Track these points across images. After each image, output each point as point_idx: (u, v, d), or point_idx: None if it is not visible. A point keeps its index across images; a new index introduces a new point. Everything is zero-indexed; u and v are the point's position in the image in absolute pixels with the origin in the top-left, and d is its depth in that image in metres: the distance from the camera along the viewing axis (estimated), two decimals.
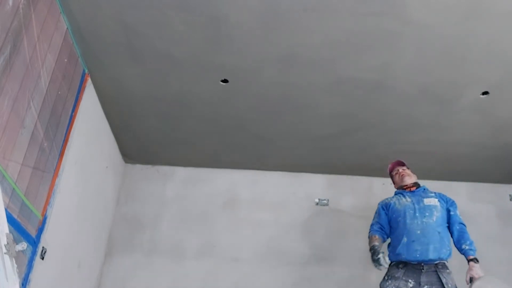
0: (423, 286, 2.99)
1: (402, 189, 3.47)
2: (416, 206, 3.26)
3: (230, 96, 3.45)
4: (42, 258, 2.70)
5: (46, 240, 2.74)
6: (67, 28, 2.84)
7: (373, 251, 3.16)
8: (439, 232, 3.13)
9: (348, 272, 4.14)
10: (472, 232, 4.35)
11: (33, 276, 2.59)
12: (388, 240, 3.36)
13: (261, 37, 2.87)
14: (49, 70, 2.64)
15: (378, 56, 3.01)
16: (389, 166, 3.66)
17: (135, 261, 4.06)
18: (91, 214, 3.61)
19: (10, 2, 2.19)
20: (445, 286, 2.96)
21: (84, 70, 3.19)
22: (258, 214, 4.32)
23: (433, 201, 3.28)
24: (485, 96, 3.33)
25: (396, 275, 3.08)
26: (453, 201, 3.37)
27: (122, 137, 4.07)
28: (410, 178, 3.47)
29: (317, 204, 4.43)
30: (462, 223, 3.27)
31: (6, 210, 2.02)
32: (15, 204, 2.34)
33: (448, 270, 3.07)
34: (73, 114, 3.05)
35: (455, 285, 3.03)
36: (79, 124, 3.13)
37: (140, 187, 4.41)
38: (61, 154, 2.91)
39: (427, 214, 3.20)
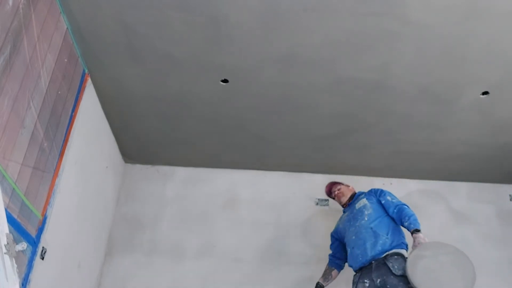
0: (377, 281, 3.04)
1: (342, 207, 3.70)
2: (351, 215, 3.44)
3: (230, 96, 3.45)
4: (42, 258, 2.70)
5: (46, 240, 2.74)
6: (67, 28, 2.84)
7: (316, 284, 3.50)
8: (371, 228, 3.21)
9: (348, 272, 4.14)
10: (472, 232, 4.39)
11: (33, 276, 2.59)
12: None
13: (261, 37, 2.87)
14: (49, 70, 2.64)
15: (378, 56, 3.01)
16: (325, 190, 3.85)
17: (135, 261, 4.06)
18: (91, 214, 3.61)
19: (10, 2, 2.19)
20: (391, 269, 3.00)
21: (84, 70, 3.19)
22: (258, 214, 4.31)
23: (362, 202, 3.41)
24: (485, 96, 3.34)
25: (355, 280, 3.23)
26: (381, 190, 3.46)
27: (122, 137, 4.07)
28: (345, 197, 3.64)
29: (317, 204, 4.43)
30: (398, 205, 3.30)
31: (6, 210, 2.02)
32: (15, 204, 2.34)
33: (396, 256, 3.09)
34: (73, 114, 3.05)
35: (404, 267, 3.03)
36: (79, 124, 3.13)
37: (140, 187, 4.41)
38: (61, 154, 2.91)
39: (359, 217, 3.34)
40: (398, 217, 3.24)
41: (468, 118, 3.59)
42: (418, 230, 3.07)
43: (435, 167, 4.34)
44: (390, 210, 3.29)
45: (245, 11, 2.68)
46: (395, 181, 4.58)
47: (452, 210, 4.49)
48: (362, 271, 3.19)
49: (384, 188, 3.51)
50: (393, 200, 3.35)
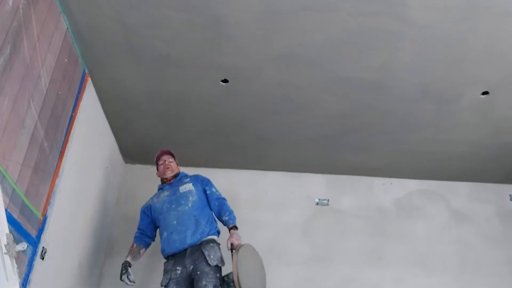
0: (189, 267, 3.07)
1: (162, 183, 3.54)
2: (173, 197, 3.36)
3: (230, 96, 3.45)
4: (42, 258, 2.70)
5: (46, 240, 2.74)
6: (67, 28, 2.84)
7: (122, 268, 3.28)
8: (194, 216, 3.22)
9: (348, 272, 4.14)
10: (472, 232, 4.39)
11: (33, 276, 2.59)
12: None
13: (261, 37, 2.87)
14: (49, 70, 2.64)
15: (378, 56, 3.01)
16: (158, 153, 3.63)
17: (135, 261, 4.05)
18: (91, 214, 3.61)
19: (10, 2, 2.19)
20: (207, 257, 3.04)
21: (84, 70, 3.19)
22: (258, 214, 4.32)
23: (188, 187, 3.36)
24: (485, 96, 3.34)
25: (167, 268, 3.18)
26: (208, 180, 3.47)
27: (122, 137, 4.07)
28: (171, 173, 3.51)
29: (317, 204, 4.43)
30: (220, 198, 3.37)
31: (6, 210, 2.02)
32: (15, 204, 2.34)
33: (212, 244, 3.15)
34: (73, 114, 3.05)
35: (221, 256, 3.13)
36: (79, 124, 3.13)
37: (140, 187, 4.40)
38: (61, 154, 2.91)
39: (182, 202, 3.29)
40: (218, 210, 3.29)
41: (468, 118, 3.59)
42: (236, 227, 3.18)
43: (435, 167, 4.34)
44: (212, 202, 3.32)
45: (245, 11, 2.68)
46: (395, 181, 4.59)
47: (452, 210, 4.49)
48: (175, 257, 3.17)
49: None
50: (217, 193, 3.39)
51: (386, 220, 4.40)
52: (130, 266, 3.30)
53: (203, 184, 3.42)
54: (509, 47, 2.89)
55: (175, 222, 3.23)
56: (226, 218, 3.23)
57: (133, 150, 4.28)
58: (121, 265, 3.31)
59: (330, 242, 4.25)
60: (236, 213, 4.29)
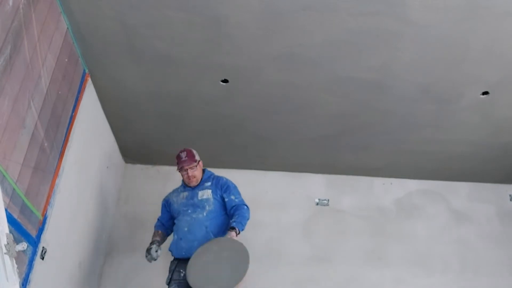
0: None
1: (184, 184, 3.42)
2: (190, 201, 3.29)
3: (230, 96, 3.45)
4: (42, 258, 2.70)
5: (46, 240, 2.74)
6: (67, 28, 2.84)
7: (153, 243, 3.27)
8: (206, 227, 3.17)
9: (348, 272, 4.14)
10: (472, 232, 4.39)
11: (33, 276, 2.59)
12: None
13: (261, 37, 2.87)
14: (49, 70, 2.64)
15: (378, 56, 3.01)
16: (177, 157, 3.35)
17: (135, 261, 4.06)
18: (91, 214, 3.61)
19: (10, 2, 2.19)
20: None
21: (84, 70, 3.19)
22: (258, 214, 4.31)
23: (206, 194, 3.28)
24: (485, 96, 3.34)
25: (171, 268, 3.22)
26: (228, 186, 3.34)
27: (122, 137, 4.07)
28: (197, 181, 3.35)
29: (317, 204, 4.43)
30: (237, 205, 3.25)
31: (6, 210, 2.02)
32: (16, 204, 2.34)
33: None
34: (73, 114, 3.05)
35: None
36: (79, 124, 3.13)
37: (140, 187, 4.41)
38: (61, 154, 2.91)
39: (198, 209, 3.23)
40: (231, 215, 3.22)
41: (468, 118, 3.59)
42: (235, 230, 3.07)
43: (435, 167, 4.34)
44: (229, 210, 3.26)
45: (245, 11, 2.68)
46: (395, 181, 4.59)
47: (452, 210, 4.49)
48: (179, 260, 3.18)
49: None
50: (236, 200, 3.28)
51: (386, 220, 4.40)
52: (159, 245, 3.30)
53: (222, 190, 3.32)
54: (509, 47, 2.89)
55: (186, 229, 3.21)
56: (232, 220, 3.16)
57: (133, 150, 4.28)
58: (147, 249, 3.27)
59: (330, 242, 4.25)
60: None
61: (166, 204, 3.48)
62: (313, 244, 4.24)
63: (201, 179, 3.38)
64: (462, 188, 4.57)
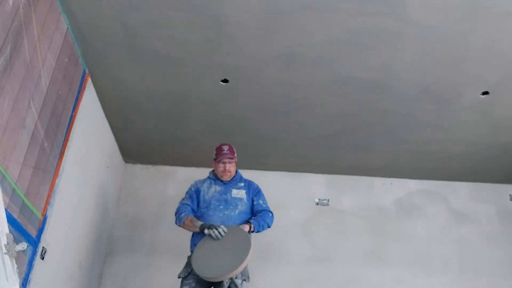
0: None
1: (217, 178, 3.30)
2: (223, 196, 3.19)
3: (230, 96, 3.45)
4: (42, 258, 2.70)
5: (46, 240, 2.74)
6: (67, 28, 2.84)
7: (203, 225, 2.98)
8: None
9: (348, 272, 4.15)
10: (472, 232, 4.40)
11: (33, 276, 2.60)
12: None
13: (261, 37, 2.87)
14: (49, 70, 2.64)
15: (378, 56, 3.01)
16: (218, 149, 3.31)
17: (135, 261, 4.06)
18: (91, 214, 3.61)
19: (10, 2, 2.19)
20: None
21: (84, 70, 3.19)
22: None
23: (241, 194, 3.23)
24: (485, 96, 3.34)
25: (189, 262, 3.02)
26: (259, 190, 3.33)
27: (122, 137, 4.07)
28: (230, 177, 3.29)
29: (317, 204, 4.43)
30: (263, 210, 3.21)
31: (6, 210, 2.02)
32: (16, 204, 2.34)
33: None
34: (73, 114, 3.05)
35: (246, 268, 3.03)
36: (79, 124, 3.14)
37: (141, 187, 4.41)
38: (61, 154, 2.91)
39: (231, 207, 3.15)
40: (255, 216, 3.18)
41: (468, 118, 3.59)
42: (249, 223, 3.05)
43: (435, 167, 4.34)
44: (254, 212, 3.21)
45: (245, 11, 2.68)
46: (395, 181, 4.59)
47: (452, 210, 4.49)
48: None
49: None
50: (263, 205, 3.25)
51: (386, 220, 4.41)
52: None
53: (253, 193, 3.29)
54: (509, 47, 2.89)
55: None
56: (252, 217, 3.13)
57: (133, 150, 4.28)
58: (206, 228, 2.95)
59: (330, 242, 4.25)
60: None
61: (196, 193, 3.26)
62: (313, 244, 4.24)
63: (233, 177, 3.31)
64: (462, 188, 4.57)
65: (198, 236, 3.06)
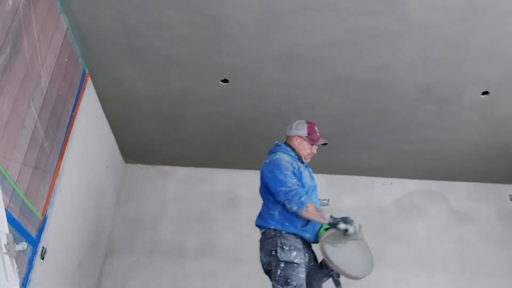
0: (309, 260, 2.76)
1: (297, 156, 2.90)
2: (312, 182, 2.89)
3: (230, 96, 3.45)
4: (42, 258, 2.70)
5: (46, 240, 2.74)
6: (67, 28, 2.84)
7: (347, 218, 2.66)
8: None
9: None
10: (472, 232, 4.39)
11: (33, 276, 2.59)
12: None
13: (261, 37, 2.87)
14: (49, 70, 2.64)
15: (378, 56, 3.01)
16: (312, 129, 2.94)
17: (135, 261, 4.06)
18: (91, 214, 3.61)
19: (10, 2, 2.19)
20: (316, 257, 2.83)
21: (84, 70, 3.19)
22: None
23: (314, 181, 2.93)
24: (485, 96, 3.33)
25: (298, 246, 2.69)
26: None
27: (122, 137, 4.07)
28: (308, 161, 2.97)
29: None
30: None
31: (6, 210, 2.02)
32: (16, 204, 2.34)
33: None
34: (73, 114, 3.05)
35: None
36: (79, 124, 3.13)
37: (140, 187, 4.41)
38: (61, 154, 2.91)
39: (316, 194, 2.91)
40: None
41: (468, 118, 3.59)
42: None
43: (435, 167, 4.34)
44: None
45: (245, 11, 2.68)
46: (395, 181, 4.59)
47: (452, 210, 4.49)
48: (303, 241, 2.76)
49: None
50: None
51: (386, 220, 4.40)
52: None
53: None
54: (509, 47, 2.89)
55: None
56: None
57: (133, 150, 4.28)
58: (338, 222, 2.63)
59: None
60: (236, 213, 4.32)
61: (298, 173, 2.78)
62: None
63: None
64: (462, 188, 4.57)
65: (311, 226, 2.72)
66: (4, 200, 2.04)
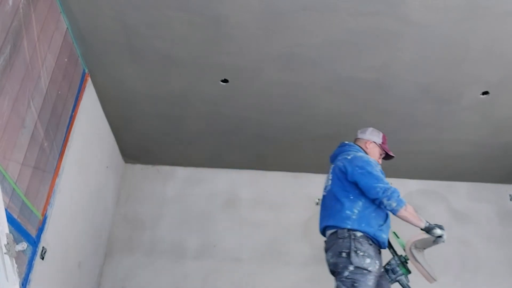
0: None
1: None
2: None
3: (230, 96, 3.45)
4: (42, 258, 2.70)
5: (46, 240, 2.74)
6: (67, 28, 2.84)
7: (429, 222, 2.67)
8: None
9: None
10: (472, 232, 4.39)
11: (33, 276, 2.59)
12: None
13: (261, 37, 2.87)
14: (49, 70, 2.64)
15: (378, 56, 3.01)
16: (387, 142, 3.01)
17: (135, 261, 4.06)
18: (91, 214, 3.61)
19: (10, 2, 2.19)
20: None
21: (84, 70, 3.19)
22: (258, 214, 4.32)
23: None
24: (485, 96, 3.34)
25: (373, 254, 2.66)
26: None
27: (122, 137, 4.07)
28: None
29: (317, 204, 4.42)
30: None
31: (6, 210, 2.02)
32: (15, 204, 2.34)
33: None
34: (73, 114, 3.05)
35: None
36: (79, 124, 3.13)
37: (140, 187, 4.41)
38: (61, 154, 2.91)
39: None
40: None
41: (468, 118, 3.59)
42: None
43: (435, 167, 4.34)
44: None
45: (245, 11, 2.68)
46: (395, 181, 4.57)
47: (452, 210, 4.49)
48: (379, 248, 2.78)
49: None
50: None
51: None
52: None
53: None
54: (509, 47, 2.89)
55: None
56: None
57: (133, 150, 4.28)
58: (434, 228, 2.72)
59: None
60: (236, 213, 4.33)
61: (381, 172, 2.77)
62: (313, 244, 4.23)
63: None
64: (462, 188, 4.57)
65: (387, 226, 2.72)
66: (4, 200, 2.04)
